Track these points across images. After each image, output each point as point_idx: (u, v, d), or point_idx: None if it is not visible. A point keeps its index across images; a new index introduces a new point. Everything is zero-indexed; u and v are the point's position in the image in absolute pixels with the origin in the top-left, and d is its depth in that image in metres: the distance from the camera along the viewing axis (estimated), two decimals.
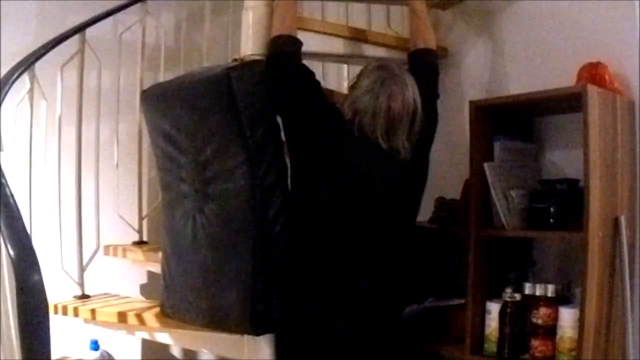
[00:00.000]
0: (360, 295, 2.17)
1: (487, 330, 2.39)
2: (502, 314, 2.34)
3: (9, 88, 2.50)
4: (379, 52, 2.66)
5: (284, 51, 2.22)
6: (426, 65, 2.43)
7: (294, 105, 2.21)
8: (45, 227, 2.80)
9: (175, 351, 3.49)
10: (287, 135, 2.23)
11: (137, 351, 3.30)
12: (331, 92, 2.64)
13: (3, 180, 1.98)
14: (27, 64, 2.64)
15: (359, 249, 2.18)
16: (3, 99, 2.43)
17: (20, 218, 1.93)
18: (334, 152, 2.20)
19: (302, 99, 2.22)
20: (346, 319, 2.15)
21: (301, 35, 2.27)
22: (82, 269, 2.91)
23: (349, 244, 2.17)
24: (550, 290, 2.25)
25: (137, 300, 3.06)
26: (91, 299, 2.92)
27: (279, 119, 2.22)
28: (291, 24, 2.26)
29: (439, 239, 2.67)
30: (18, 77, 2.58)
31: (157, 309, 2.60)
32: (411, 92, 2.17)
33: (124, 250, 3.06)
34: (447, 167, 2.79)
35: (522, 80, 2.66)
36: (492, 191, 2.38)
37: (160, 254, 2.57)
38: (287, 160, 2.24)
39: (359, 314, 2.16)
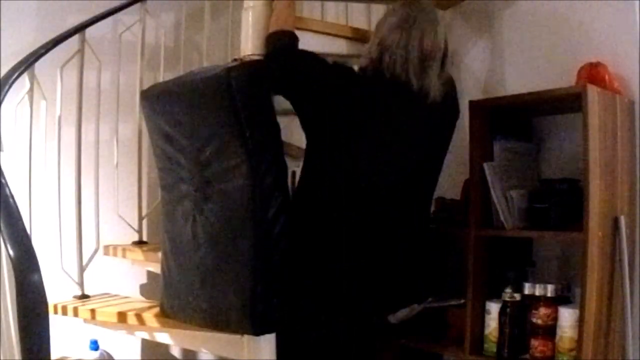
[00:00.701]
0: (360, 295, 2.17)
1: (487, 331, 2.39)
2: (501, 314, 2.34)
3: (9, 88, 2.50)
4: None
5: (281, 45, 2.22)
6: None
7: (305, 94, 2.20)
8: (45, 227, 2.80)
9: (175, 351, 3.48)
10: (306, 122, 2.22)
11: (136, 351, 3.30)
12: None
13: (3, 180, 1.98)
14: (27, 63, 2.64)
15: (359, 248, 2.18)
16: (3, 98, 2.43)
17: (20, 218, 1.93)
18: (357, 117, 2.17)
19: (310, 84, 2.21)
20: (346, 319, 2.15)
21: (301, 35, 2.28)
22: (81, 269, 2.91)
23: (350, 242, 2.17)
24: (550, 290, 2.25)
25: (137, 300, 3.05)
26: (91, 299, 2.92)
27: (279, 119, 2.22)
28: (286, 20, 2.26)
29: (439, 239, 2.67)
30: (18, 77, 2.57)
31: (157, 309, 2.60)
32: (443, 30, 2.13)
33: (124, 250, 3.06)
34: (447, 167, 2.77)
35: (522, 80, 2.66)
36: (492, 191, 2.38)
37: (159, 254, 2.57)
38: (286, 160, 2.24)
39: (359, 314, 2.16)
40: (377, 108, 2.16)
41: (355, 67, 2.38)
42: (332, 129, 2.20)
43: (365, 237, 2.18)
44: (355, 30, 2.65)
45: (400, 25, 2.12)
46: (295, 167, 2.36)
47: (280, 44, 2.22)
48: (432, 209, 2.69)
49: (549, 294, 2.25)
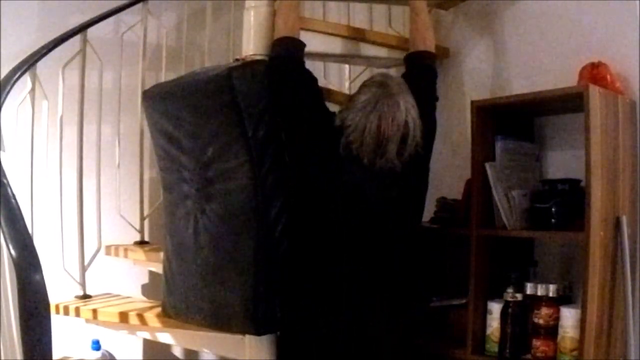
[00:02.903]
0: (361, 295, 2.17)
1: (489, 330, 2.39)
2: (503, 314, 2.34)
3: (11, 88, 2.50)
4: (380, 52, 2.66)
5: (287, 54, 2.22)
6: (424, 68, 2.42)
7: (295, 109, 2.20)
8: (47, 227, 2.80)
9: (177, 351, 3.49)
10: (285, 137, 2.22)
11: (138, 351, 3.30)
12: (329, 91, 2.64)
13: (4, 180, 1.97)
14: (29, 64, 2.64)
15: (358, 252, 2.17)
16: (4, 99, 2.43)
17: (21, 218, 1.92)
18: (327, 163, 2.18)
19: (303, 104, 2.21)
20: (347, 319, 2.15)
21: (303, 35, 2.27)
22: (83, 268, 2.91)
23: (347, 248, 2.17)
24: (552, 290, 2.25)
25: (139, 300, 3.06)
26: (93, 299, 2.92)
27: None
28: (294, 25, 2.26)
29: (440, 239, 2.67)
30: (19, 77, 2.58)
31: (159, 309, 2.60)
32: (404, 113, 2.11)
33: (126, 250, 3.06)
34: (449, 167, 2.79)
35: (524, 80, 2.66)
36: (494, 191, 2.38)
37: (161, 254, 2.57)
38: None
39: (360, 315, 2.16)
40: (343, 166, 2.16)
41: (357, 67, 2.37)
42: (299, 157, 2.20)
43: (363, 239, 2.18)
44: (357, 30, 2.65)
45: (362, 107, 2.12)
46: None
47: (288, 52, 2.22)
48: (434, 209, 2.70)
49: (550, 294, 2.25)
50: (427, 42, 2.44)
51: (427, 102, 2.29)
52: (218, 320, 2.26)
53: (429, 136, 2.28)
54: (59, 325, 2.26)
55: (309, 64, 2.28)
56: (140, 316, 2.67)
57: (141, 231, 3.19)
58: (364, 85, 2.22)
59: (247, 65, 2.20)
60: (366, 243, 2.18)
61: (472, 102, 2.48)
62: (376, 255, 2.19)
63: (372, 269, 2.18)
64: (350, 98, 2.24)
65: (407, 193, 2.26)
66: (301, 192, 2.20)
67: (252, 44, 2.29)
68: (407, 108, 2.13)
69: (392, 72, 2.77)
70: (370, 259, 2.18)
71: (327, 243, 2.18)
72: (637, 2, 2.34)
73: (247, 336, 2.26)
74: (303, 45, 2.25)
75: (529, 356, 2.28)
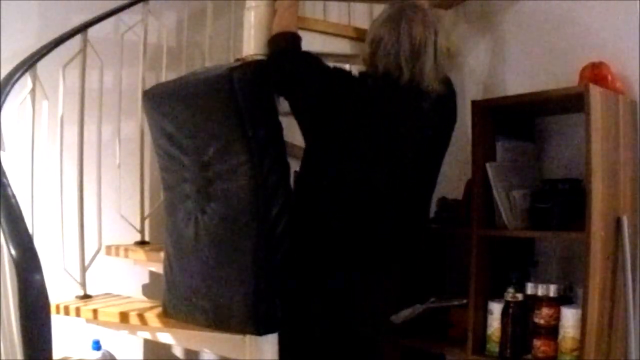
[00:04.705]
0: (362, 296, 2.17)
1: (489, 331, 2.39)
2: (504, 314, 2.34)
3: (11, 88, 2.50)
4: None
5: (284, 47, 2.22)
6: None
7: (305, 97, 2.20)
8: (47, 227, 2.80)
9: (177, 351, 3.48)
10: (304, 125, 2.21)
11: (139, 351, 3.30)
12: None
13: (5, 180, 1.97)
14: (29, 63, 2.64)
15: (360, 249, 2.17)
16: (5, 99, 2.43)
17: (22, 218, 1.92)
18: (353, 120, 2.17)
19: (310, 88, 2.21)
20: (348, 320, 2.15)
21: (303, 35, 2.27)
22: (84, 269, 2.91)
23: (350, 243, 2.17)
24: (553, 290, 2.25)
25: (139, 300, 3.06)
26: (93, 299, 2.92)
27: (281, 119, 2.22)
28: (290, 22, 2.25)
29: (441, 239, 2.67)
30: (20, 77, 2.58)
31: (159, 309, 2.60)
32: (432, 20, 2.13)
33: (126, 250, 3.06)
34: (449, 167, 2.78)
35: (525, 80, 2.66)
36: (494, 191, 2.38)
37: (162, 254, 2.57)
38: (289, 160, 2.24)
39: (361, 315, 2.16)
40: (374, 111, 2.15)
41: (355, 70, 2.38)
42: (328, 131, 2.20)
43: (364, 236, 2.18)
44: (358, 30, 2.65)
45: (389, 20, 2.13)
46: (297, 168, 2.35)
47: (283, 45, 2.22)
48: (434, 209, 2.69)
49: (551, 294, 2.25)
50: None
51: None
52: (219, 320, 2.26)
53: (452, 118, 2.33)
54: (59, 325, 2.26)
55: None
56: (141, 316, 2.66)
57: (142, 231, 3.19)
58: (383, 11, 2.21)
59: (248, 66, 2.20)
60: (370, 238, 2.18)
61: (473, 102, 2.48)
62: (377, 256, 2.19)
63: (373, 269, 2.18)
64: (370, 27, 2.24)
65: (438, 128, 2.26)
66: (325, 170, 2.20)
67: (252, 44, 2.29)
68: (434, 15, 2.15)
69: None
70: (371, 260, 2.18)
71: (329, 241, 2.18)
72: (638, 2, 2.34)
73: (248, 336, 2.26)
74: (298, 37, 2.24)
75: (529, 356, 2.28)
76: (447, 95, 2.26)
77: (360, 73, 2.25)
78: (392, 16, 2.13)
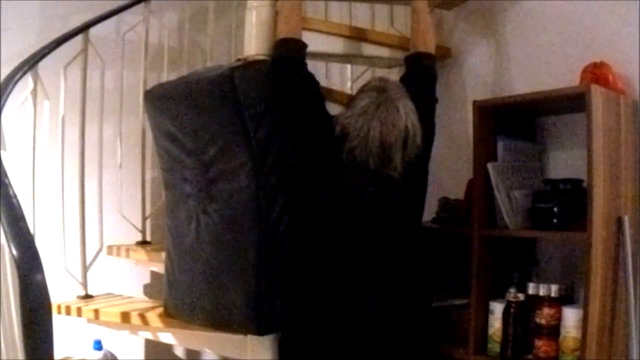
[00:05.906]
0: (363, 296, 2.17)
1: (491, 331, 2.39)
2: (505, 314, 2.34)
3: (12, 88, 2.50)
4: (383, 52, 2.66)
5: (289, 56, 2.22)
6: (424, 69, 2.41)
7: (296, 112, 2.19)
8: (49, 227, 2.80)
9: (179, 351, 3.49)
10: (285, 139, 2.21)
11: (140, 351, 3.30)
12: (331, 91, 2.64)
13: (6, 180, 1.97)
14: (30, 63, 2.64)
15: (359, 255, 2.17)
16: (6, 99, 2.43)
17: (23, 218, 1.92)
18: (327, 167, 2.17)
19: (304, 108, 2.21)
20: (349, 320, 2.15)
21: (304, 35, 2.27)
22: (85, 268, 2.91)
23: (348, 250, 2.16)
24: (554, 290, 2.25)
25: (140, 300, 3.06)
26: (94, 299, 2.92)
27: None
28: (296, 26, 2.26)
29: (442, 239, 2.67)
30: (21, 77, 2.58)
31: (160, 309, 2.61)
32: (404, 118, 2.11)
33: (127, 250, 3.06)
34: (451, 168, 2.79)
35: (526, 80, 2.66)
36: (496, 191, 2.38)
37: (163, 254, 2.57)
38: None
39: (361, 315, 2.16)
40: (342, 169, 2.15)
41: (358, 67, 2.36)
42: (301, 158, 2.20)
43: (364, 242, 2.18)
44: (359, 30, 2.65)
45: (363, 112, 2.11)
46: None
47: (290, 54, 2.22)
48: (435, 209, 2.69)
49: (552, 294, 2.24)
50: (428, 43, 2.43)
51: (426, 105, 2.28)
52: (220, 320, 2.26)
53: (428, 139, 2.28)
54: (60, 325, 2.26)
55: (311, 64, 2.28)
56: (142, 316, 2.66)
57: (143, 231, 3.19)
58: (361, 91, 2.21)
59: (249, 66, 2.20)
60: (367, 246, 2.18)
61: (474, 102, 2.48)
62: (377, 258, 2.19)
63: (373, 270, 2.18)
64: (348, 104, 2.23)
65: (407, 197, 2.25)
66: (301, 194, 2.20)
67: (254, 44, 2.29)
68: (406, 113, 2.13)
69: (394, 72, 2.77)
70: (371, 261, 2.18)
71: (328, 244, 2.18)
72: (638, 2, 2.34)
73: (249, 336, 2.26)
74: (305, 46, 2.25)
75: (530, 356, 2.28)
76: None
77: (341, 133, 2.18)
78: (365, 110, 2.11)
